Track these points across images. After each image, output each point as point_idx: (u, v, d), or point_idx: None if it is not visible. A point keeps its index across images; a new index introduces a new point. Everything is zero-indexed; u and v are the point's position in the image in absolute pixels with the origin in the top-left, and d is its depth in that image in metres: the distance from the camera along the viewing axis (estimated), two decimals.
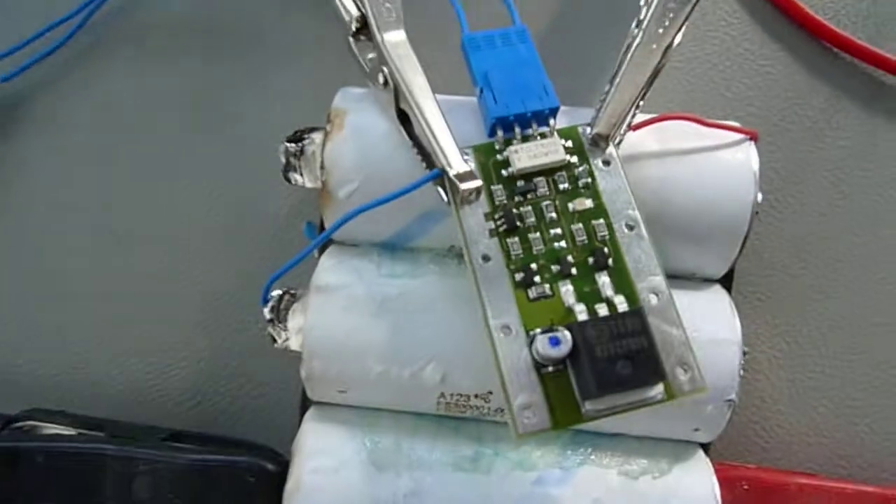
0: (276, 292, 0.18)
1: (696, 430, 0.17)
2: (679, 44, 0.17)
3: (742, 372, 0.17)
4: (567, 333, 0.13)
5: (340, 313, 0.17)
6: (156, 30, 0.23)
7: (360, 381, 0.17)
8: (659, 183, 0.17)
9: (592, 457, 0.17)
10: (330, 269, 0.17)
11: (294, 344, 0.18)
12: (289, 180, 0.18)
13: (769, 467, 0.21)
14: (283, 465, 0.17)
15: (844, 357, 0.21)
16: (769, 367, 0.21)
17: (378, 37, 0.16)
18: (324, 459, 0.17)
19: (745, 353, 0.18)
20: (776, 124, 0.22)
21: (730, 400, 0.16)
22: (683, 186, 0.17)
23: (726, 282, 0.18)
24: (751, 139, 0.17)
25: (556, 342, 0.13)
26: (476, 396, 0.17)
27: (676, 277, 0.18)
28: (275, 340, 0.18)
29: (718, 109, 0.22)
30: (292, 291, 0.18)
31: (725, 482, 0.18)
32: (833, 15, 0.22)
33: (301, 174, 0.18)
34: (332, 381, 0.17)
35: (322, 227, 0.19)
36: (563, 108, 0.18)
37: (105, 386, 0.21)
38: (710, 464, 0.18)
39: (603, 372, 0.13)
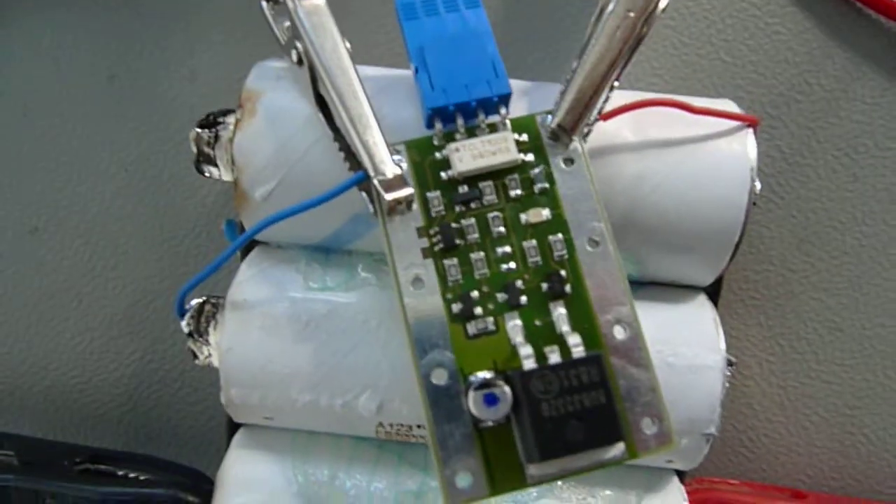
0: (195, 301, 0.16)
1: (670, 461, 0.15)
2: (666, 7, 0.13)
3: (727, 386, 0.15)
4: (507, 389, 0.11)
5: (259, 335, 0.14)
6: None
7: (285, 410, 0.15)
8: (634, 182, 0.14)
9: (553, 490, 0.15)
10: (248, 282, 0.15)
11: (217, 361, 0.16)
12: (203, 173, 0.16)
13: (753, 482, 0.19)
14: (209, 495, 0.16)
15: (843, 362, 0.19)
16: (759, 373, 0.19)
17: (289, 2, 0.13)
18: (249, 495, 0.15)
19: (731, 364, 0.15)
20: (783, 94, 0.19)
21: (708, 434, 0.14)
22: (664, 186, 0.14)
23: (713, 289, 0.16)
24: (749, 126, 0.14)
25: (492, 400, 0.11)
26: (419, 427, 0.15)
27: (653, 284, 0.15)
28: (196, 356, 0.16)
29: (715, 77, 0.19)
30: (214, 300, 0.16)
31: None
32: None
33: (217, 166, 0.16)
34: (255, 409, 0.15)
35: (244, 228, 0.16)
36: (526, 83, 0.15)
37: (22, 396, 0.20)
38: (684, 494, 0.16)
39: (549, 436, 0.11)
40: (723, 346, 0.15)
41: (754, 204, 0.14)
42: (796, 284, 0.19)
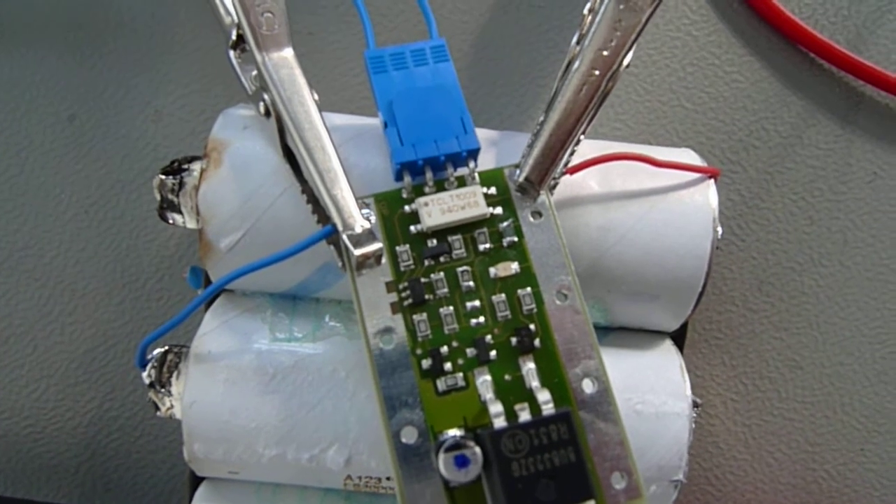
0: (157, 350, 0.15)
1: None
2: (629, 64, 0.14)
3: (693, 427, 0.15)
4: (477, 451, 0.11)
5: (224, 388, 0.14)
6: (17, 23, 0.19)
7: (251, 464, 0.14)
8: (600, 233, 0.14)
9: None
10: (213, 333, 0.15)
11: (179, 413, 0.15)
12: (166, 220, 0.15)
13: None
14: None
15: (804, 399, 0.19)
16: (724, 412, 0.19)
17: (257, 55, 0.13)
18: None
19: (697, 406, 0.16)
20: (742, 140, 0.19)
21: (676, 480, 0.14)
22: (629, 237, 0.14)
23: (678, 333, 0.16)
24: (711, 177, 0.15)
25: (463, 462, 0.11)
26: (388, 479, 0.14)
27: (620, 329, 0.16)
28: (157, 408, 0.15)
29: (676, 123, 0.19)
30: (177, 349, 0.15)
31: None
32: (810, 14, 0.19)
33: (181, 213, 0.15)
34: (219, 464, 0.15)
35: (209, 275, 0.16)
36: (493, 132, 0.15)
37: None
38: None
39: (519, 496, 0.11)
40: (689, 392, 0.15)
41: (718, 248, 0.15)
42: (757, 324, 0.19)
